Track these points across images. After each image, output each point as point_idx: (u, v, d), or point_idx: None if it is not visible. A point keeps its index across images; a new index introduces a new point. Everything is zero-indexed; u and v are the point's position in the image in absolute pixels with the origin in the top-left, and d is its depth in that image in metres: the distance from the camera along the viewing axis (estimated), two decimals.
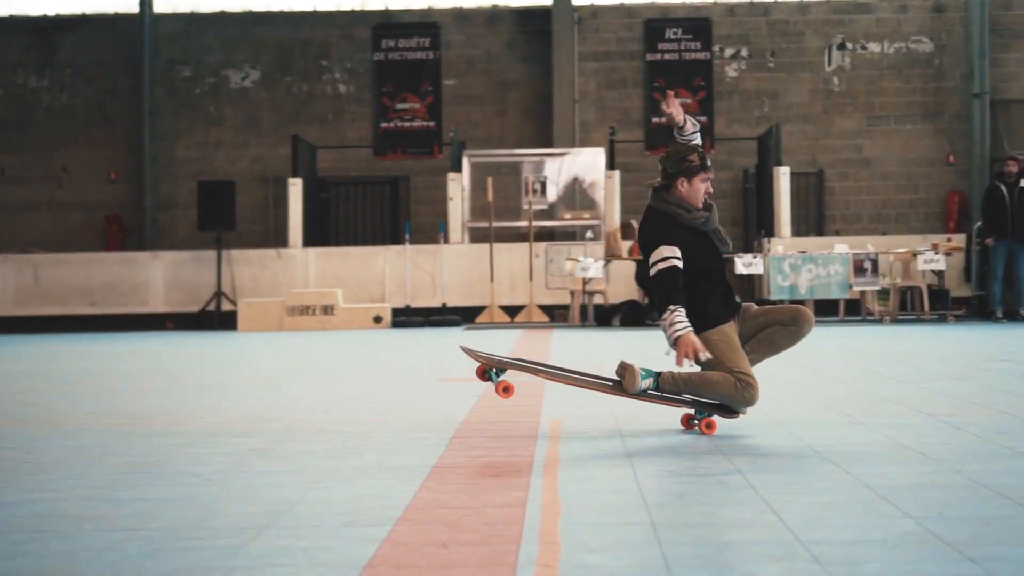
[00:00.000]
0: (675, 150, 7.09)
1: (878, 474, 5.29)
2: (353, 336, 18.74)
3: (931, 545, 3.96)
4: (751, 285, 21.88)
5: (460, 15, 26.76)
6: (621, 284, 21.53)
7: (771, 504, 4.66)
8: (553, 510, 4.66)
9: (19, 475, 5.74)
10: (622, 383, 6.85)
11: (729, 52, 26.56)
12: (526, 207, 23.11)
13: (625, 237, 21.41)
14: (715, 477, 5.34)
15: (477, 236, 23.52)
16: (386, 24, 26.61)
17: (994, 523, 4.28)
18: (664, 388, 6.84)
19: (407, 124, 26.32)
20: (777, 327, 7.02)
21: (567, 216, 24.08)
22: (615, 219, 23.06)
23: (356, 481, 5.42)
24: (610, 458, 5.91)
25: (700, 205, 7.05)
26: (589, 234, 23.04)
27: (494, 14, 26.78)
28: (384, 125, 26.36)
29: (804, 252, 20.63)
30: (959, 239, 21.80)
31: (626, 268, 21.28)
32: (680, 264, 6.78)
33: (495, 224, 22.66)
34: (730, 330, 6.91)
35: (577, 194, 24.17)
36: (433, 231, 23.78)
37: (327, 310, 21.30)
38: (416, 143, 26.32)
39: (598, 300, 21.00)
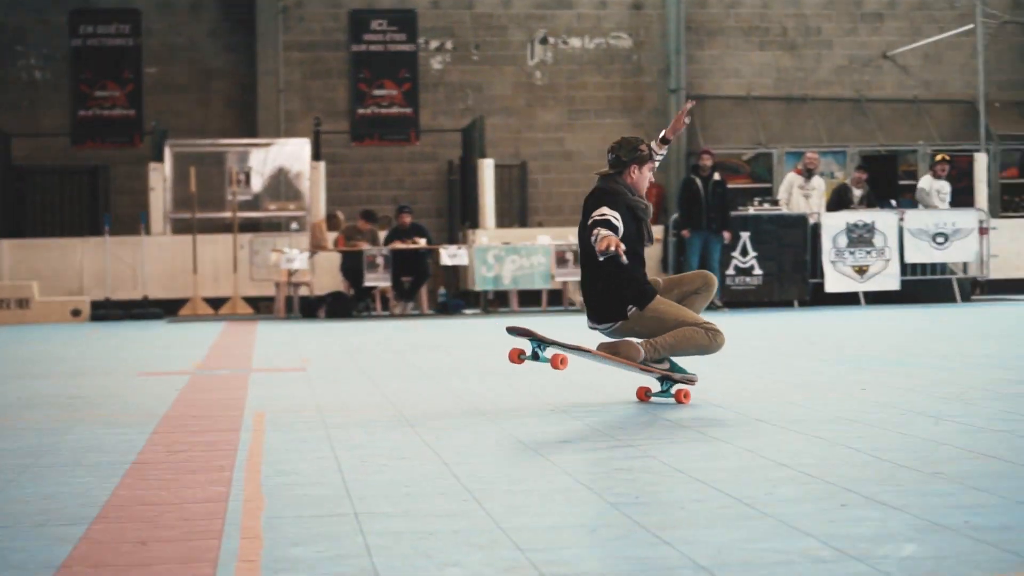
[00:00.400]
0: (627, 140, 7.75)
1: (578, 461, 5.40)
2: (50, 330, 18.19)
3: (629, 529, 4.05)
4: (456, 276, 22.05)
5: (162, 2, 26.20)
6: (327, 276, 21.44)
7: (473, 493, 4.71)
8: (256, 504, 4.60)
9: None
10: (620, 355, 7.38)
11: (434, 44, 26.70)
12: (230, 198, 22.79)
13: (331, 228, 21.33)
14: (419, 468, 5.36)
15: (180, 227, 23.09)
16: (84, 10, 25.87)
17: (688, 506, 4.41)
18: (648, 357, 7.33)
19: (106, 112, 25.66)
20: (693, 296, 7.70)
21: (272, 207, 23.84)
22: (320, 210, 22.95)
23: (51, 479, 5.26)
24: (314, 450, 5.88)
25: (643, 194, 7.65)
26: (294, 225, 22.87)
27: (197, 2, 26.31)
28: (82, 113, 25.65)
29: (508, 243, 20.90)
30: (657, 231, 22.37)
31: (331, 260, 21.20)
32: (620, 226, 7.25)
33: (198, 215, 22.29)
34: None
35: (282, 185, 23.95)
36: (134, 222, 23.23)
37: (22, 303, 20.61)
38: (116, 132, 25.68)
39: (304, 292, 20.88)
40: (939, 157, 21.46)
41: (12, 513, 4.53)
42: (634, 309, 7.45)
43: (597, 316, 7.67)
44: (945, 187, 21.16)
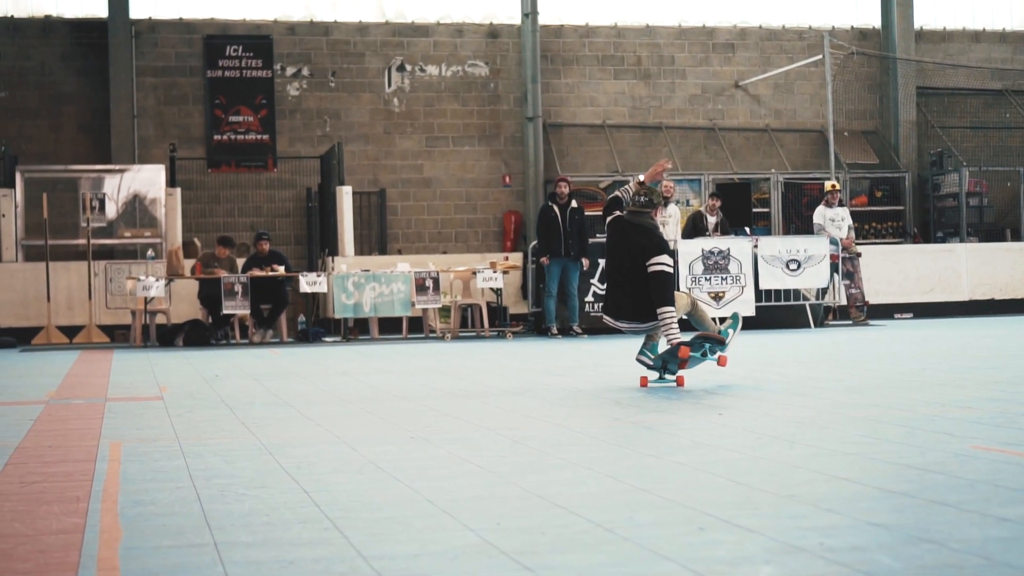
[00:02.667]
0: (650, 188, 10.51)
1: (439, 488, 5.40)
2: None
3: (490, 555, 4.07)
4: (315, 304, 21.95)
5: (11, 24, 25.76)
6: (184, 303, 21.22)
7: (335, 521, 4.69)
8: (113, 535, 4.54)
9: None
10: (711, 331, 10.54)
11: (291, 71, 26.59)
12: (84, 224, 22.46)
13: (188, 255, 21.12)
14: (280, 496, 5.33)
15: (32, 254, 22.70)
16: None
17: (549, 531, 4.43)
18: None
19: None
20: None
21: (127, 234, 23.54)
22: (177, 237, 22.72)
23: None
24: (172, 480, 5.81)
25: None
26: (150, 252, 22.61)
27: (47, 25, 25.92)
28: None
29: (367, 271, 20.86)
30: (516, 258, 22.49)
31: (189, 287, 20.99)
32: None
33: (51, 242, 21.94)
34: None
35: (138, 211, 23.67)
36: None
37: None
38: None
39: (160, 320, 20.63)
40: (829, 186, 22.01)
41: None
42: (683, 296, 10.68)
43: (640, 317, 10.32)
44: (840, 213, 21.64)
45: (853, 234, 22.01)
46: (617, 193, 10.65)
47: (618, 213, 10.49)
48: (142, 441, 7.34)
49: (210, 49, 26.20)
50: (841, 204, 22.14)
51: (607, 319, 10.52)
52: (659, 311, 10.13)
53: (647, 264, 10.18)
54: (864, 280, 21.92)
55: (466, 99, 27.21)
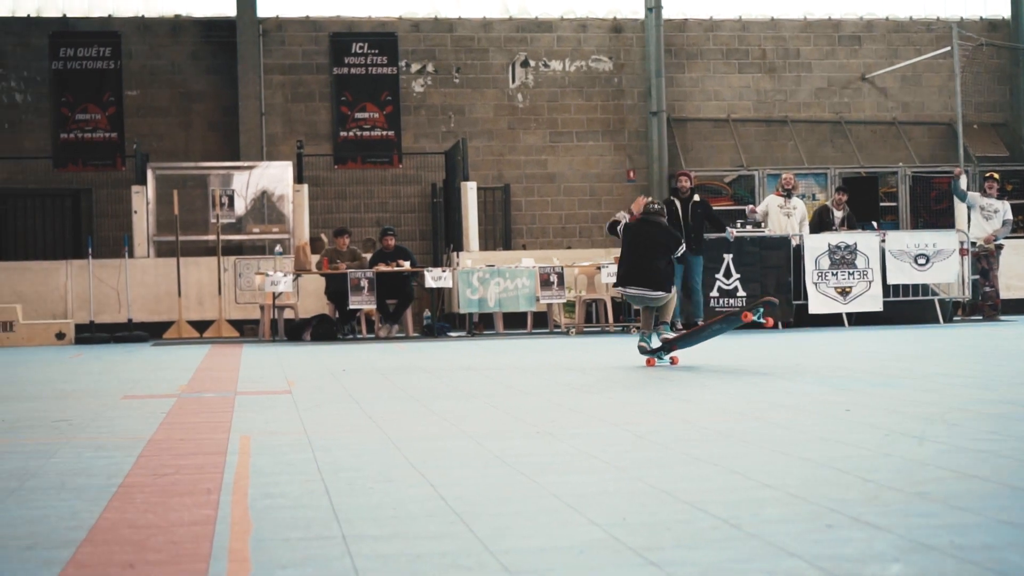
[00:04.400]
0: (663, 207, 13.45)
1: (564, 483, 5.40)
2: (34, 353, 18.15)
3: (615, 550, 4.07)
4: (440, 299, 22.07)
5: (142, 24, 26.22)
6: (311, 298, 21.46)
7: (461, 515, 4.72)
8: (243, 527, 4.60)
9: None
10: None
11: (415, 67, 26.75)
12: (213, 220, 22.80)
13: (315, 251, 21.34)
14: (407, 490, 5.36)
15: (164, 250, 23.10)
16: (64, 32, 25.90)
17: (674, 527, 4.42)
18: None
19: (88, 135, 25.67)
20: None
21: (256, 230, 23.86)
22: (304, 233, 22.97)
23: (38, 502, 5.25)
24: (300, 473, 5.88)
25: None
26: (278, 248, 22.89)
27: (177, 24, 26.34)
28: (64, 136, 25.65)
29: (492, 266, 20.92)
30: None
31: (316, 282, 21.21)
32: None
33: (182, 238, 22.30)
34: None
35: (265, 208, 23.97)
36: (117, 245, 23.24)
37: (6, 326, 20.58)
38: (98, 155, 25.69)
39: (288, 314, 20.87)
40: (988, 174, 21.77)
41: None
42: (673, 289, 12.96)
43: (655, 286, 12.64)
44: (996, 204, 21.27)
45: (1007, 229, 21.45)
46: (616, 217, 13.25)
47: (625, 222, 13.03)
48: (271, 434, 7.43)
49: (336, 46, 26.45)
50: (1000, 196, 21.77)
51: (619, 288, 13.10)
52: (669, 290, 12.76)
53: (673, 252, 12.85)
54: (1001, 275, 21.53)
55: (590, 94, 27.18)
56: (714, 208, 20.68)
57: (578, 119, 27.16)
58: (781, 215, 20.77)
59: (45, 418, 8.69)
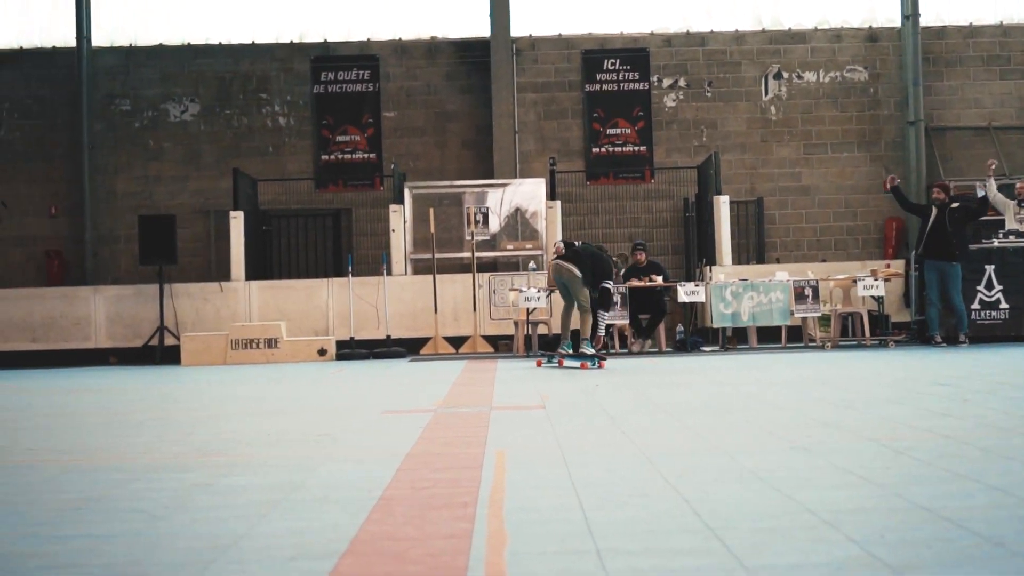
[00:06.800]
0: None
1: (821, 499, 5.33)
2: (298, 369, 18.68)
3: (873, 568, 4.00)
4: (693, 313, 21.98)
5: (399, 47, 26.80)
6: None
7: (715, 531, 4.70)
8: (499, 540, 4.66)
9: None
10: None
11: (667, 82, 26.73)
12: (468, 238, 23.13)
13: None
14: (660, 505, 5.36)
15: (420, 267, 23.52)
16: (325, 56, 26.64)
17: (935, 545, 4.33)
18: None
19: (348, 156, 26.33)
20: None
21: (509, 246, 24.11)
22: None
23: (301, 514, 5.40)
24: (555, 487, 5.92)
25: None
26: (532, 264, 23.09)
27: (433, 46, 26.84)
28: (325, 157, 26.36)
29: (745, 280, 20.75)
30: (898, 265, 21.97)
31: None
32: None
33: (438, 255, 22.67)
34: None
35: (519, 224, 24.21)
36: (376, 263, 23.76)
37: (271, 343, 21.23)
38: (357, 175, 26.33)
39: (542, 330, 21.03)
40: None
41: (265, 547, 4.67)
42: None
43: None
44: None
45: None
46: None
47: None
48: (525, 449, 7.50)
49: (588, 63, 26.61)
50: None
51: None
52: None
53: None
54: None
55: (845, 105, 26.76)
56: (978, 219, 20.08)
57: (832, 130, 26.76)
58: (1015, 222, 20.07)
59: (308, 432, 8.94)
